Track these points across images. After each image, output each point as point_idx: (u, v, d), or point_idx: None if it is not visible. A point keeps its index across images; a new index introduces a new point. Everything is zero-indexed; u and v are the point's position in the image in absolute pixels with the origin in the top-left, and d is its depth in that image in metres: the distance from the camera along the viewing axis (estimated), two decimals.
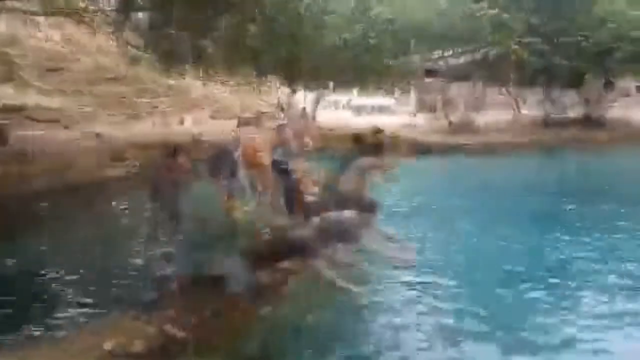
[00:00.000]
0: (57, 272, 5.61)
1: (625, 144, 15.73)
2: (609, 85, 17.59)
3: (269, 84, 19.03)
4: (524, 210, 7.90)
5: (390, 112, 24.95)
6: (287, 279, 4.93)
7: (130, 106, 15.26)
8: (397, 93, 24.81)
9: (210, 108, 17.63)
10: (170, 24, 10.13)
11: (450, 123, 17.83)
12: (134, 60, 13.42)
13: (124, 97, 15.51)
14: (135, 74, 15.96)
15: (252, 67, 14.34)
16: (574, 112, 18.49)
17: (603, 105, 18.27)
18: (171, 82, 16.25)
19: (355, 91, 24.58)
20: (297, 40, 12.95)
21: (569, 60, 15.73)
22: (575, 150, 15.15)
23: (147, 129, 13.68)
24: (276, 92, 21.07)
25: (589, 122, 17.91)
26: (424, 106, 24.83)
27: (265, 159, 10.78)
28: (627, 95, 23.49)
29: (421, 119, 21.43)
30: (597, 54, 15.68)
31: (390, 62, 16.77)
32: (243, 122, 16.83)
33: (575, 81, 17.36)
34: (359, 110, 25.05)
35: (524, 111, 18.62)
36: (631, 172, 11.78)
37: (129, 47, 12.73)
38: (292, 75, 16.41)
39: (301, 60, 14.34)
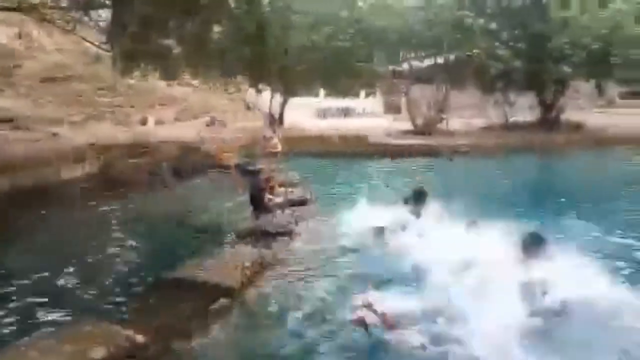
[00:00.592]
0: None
1: (581, 146, 16.54)
2: (564, 89, 18.31)
3: (236, 84, 18.90)
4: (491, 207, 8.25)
5: (357, 115, 25.19)
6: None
7: (90, 105, 14.79)
8: (362, 95, 25.05)
9: (174, 108, 17.31)
10: (132, 23, 9.88)
11: (415, 125, 18.12)
12: (95, 59, 13.05)
13: (81, 96, 15.03)
14: (95, 72, 15.51)
15: (218, 67, 14.19)
16: (531, 116, 19.17)
17: (559, 109, 19.03)
18: (132, 81, 15.86)
19: (321, 93, 24.68)
20: (262, 41, 12.91)
21: (529, 65, 16.31)
22: (537, 153, 15.78)
23: (107, 129, 13.29)
24: (243, 92, 20.95)
25: (545, 125, 18.61)
26: (390, 108, 25.22)
27: (232, 160, 10.70)
28: (612, 102, 24.67)
29: (388, 121, 21.74)
30: (555, 59, 16.32)
31: (360, 65, 16.98)
32: (211, 123, 16.71)
33: (534, 85, 18.00)
34: (324, 113, 25.15)
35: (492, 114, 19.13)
36: (594, 173, 12.38)
37: (89, 45, 12.35)
38: (258, 76, 16.36)
39: (267, 60, 14.33)
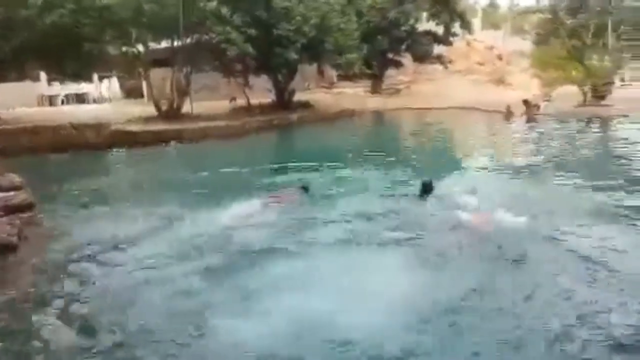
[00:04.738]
0: None
1: (311, 121, 19.19)
2: (293, 72, 20.40)
3: None
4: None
5: (93, 101, 22.78)
6: None
7: None
8: (96, 79, 22.68)
9: None
10: None
11: (159, 110, 17.45)
12: None
13: None
14: None
15: None
16: (269, 97, 20.89)
17: (291, 90, 21.17)
18: None
19: (43, 77, 21.20)
20: None
21: (260, 50, 17.46)
22: (275, 130, 17.56)
23: None
24: None
25: (281, 105, 20.53)
26: (130, 93, 23.59)
27: None
28: (332, 83, 28.27)
29: (130, 106, 20.33)
30: (281, 45, 17.91)
31: (87, 45, 15.20)
32: None
33: (266, 69, 19.45)
34: (50, 100, 21.85)
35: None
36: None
37: None
38: None
39: None
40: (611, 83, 20.54)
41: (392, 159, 11.08)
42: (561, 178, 8.51)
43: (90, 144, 14.45)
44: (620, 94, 20.61)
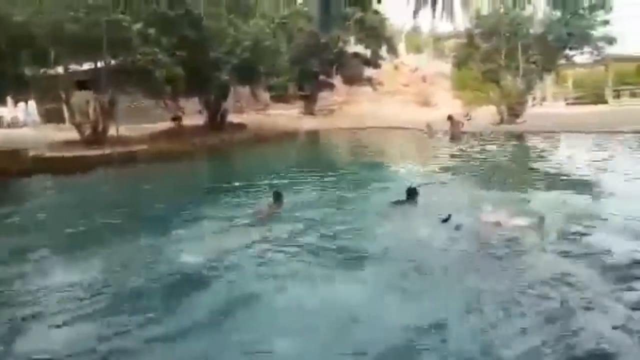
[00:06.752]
0: None
1: (245, 143, 19.05)
2: (225, 94, 20.24)
3: None
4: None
5: (5, 125, 21.27)
6: None
7: None
8: (10, 103, 21.21)
9: None
10: None
11: (82, 134, 16.55)
12: None
13: None
14: None
15: None
16: (201, 119, 20.55)
17: (223, 112, 20.99)
18: None
19: None
20: None
21: (190, 71, 17.14)
22: (207, 152, 17.22)
23: None
24: None
25: (214, 127, 20.25)
26: (50, 117, 22.23)
27: None
28: (266, 104, 28.21)
29: (51, 131, 19.15)
30: (213, 67, 17.76)
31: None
32: None
33: (197, 91, 19.15)
34: None
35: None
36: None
37: None
38: None
39: None
40: (524, 102, 22.31)
41: (332, 176, 11.17)
42: None
43: (5, 171, 13.35)
44: (532, 112, 22.51)
